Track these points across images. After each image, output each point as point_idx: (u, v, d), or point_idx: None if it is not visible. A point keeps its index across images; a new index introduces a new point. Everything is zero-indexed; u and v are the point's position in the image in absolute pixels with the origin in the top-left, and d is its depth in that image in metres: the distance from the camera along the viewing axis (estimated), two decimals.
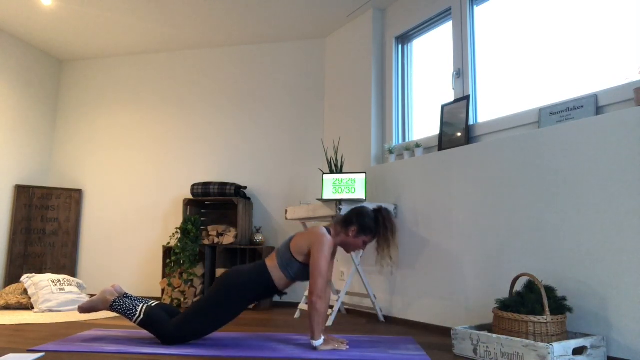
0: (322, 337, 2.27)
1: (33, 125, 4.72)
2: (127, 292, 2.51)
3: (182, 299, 3.99)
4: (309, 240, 2.34)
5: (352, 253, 3.21)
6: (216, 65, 4.70)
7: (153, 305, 2.39)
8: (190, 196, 4.36)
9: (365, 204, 3.12)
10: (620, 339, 2.01)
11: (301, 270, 2.37)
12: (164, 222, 4.57)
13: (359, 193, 3.20)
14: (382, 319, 3.29)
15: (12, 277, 4.30)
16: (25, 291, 3.67)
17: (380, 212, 2.40)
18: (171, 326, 2.29)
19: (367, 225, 2.37)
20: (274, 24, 4.20)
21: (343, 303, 3.74)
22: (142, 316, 2.32)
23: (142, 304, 2.37)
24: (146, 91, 4.83)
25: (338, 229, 2.42)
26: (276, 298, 4.20)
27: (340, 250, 3.86)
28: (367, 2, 3.78)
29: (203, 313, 2.31)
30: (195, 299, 4.00)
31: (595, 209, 2.15)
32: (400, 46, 3.78)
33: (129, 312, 2.34)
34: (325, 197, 3.26)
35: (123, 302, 2.37)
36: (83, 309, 2.44)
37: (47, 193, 4.62)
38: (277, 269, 2.37)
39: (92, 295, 4.50)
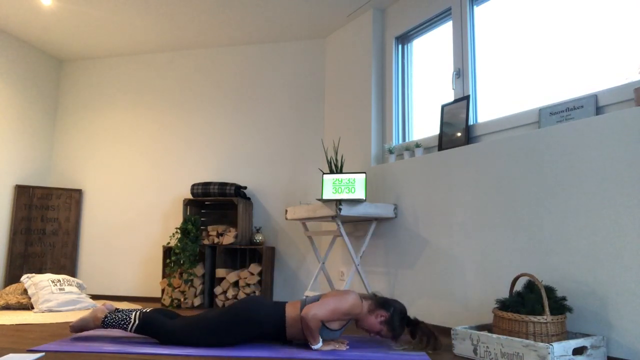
0: (321, 340, 2.26)
1: (33, 125, 4.72)
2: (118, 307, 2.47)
3: (182, 299, 3.99)
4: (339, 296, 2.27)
5: (352, 252, 3.21)
6: (216, 65, 4.70)
7: (146, 310, 2.38)
8: (190, 196, 4.35)
9: (364, 203, 3.13)
10: (620, 339, 2.01)
11: (320, 328, 2.26)
12: (164, 222, 4.57)
13: (359, 193, 3.20)
14: None
15: (12, 277, 4.30)
16: (25, 291, 3.67)
17: (421, 325, 2.32)
18: (173, 327, 2.28)
19: (396, 324, 2.29)
20: (273, 24, 4.20)
21: None
22: (137, 322, 2.30)
23: (135, 312, 2.34)
24: (146, 91, 4.83)
25: (371, 304, 2.33)
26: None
27: (340, 250, 3.87)
28: (367, 2, 3.78)
29: (210, 330, 2.25)
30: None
31: (595, 208, 2.15)
32: (400, 46, 3.78)
33: (123, 323, 2.30)
34: (325, 197, 3.26)
35: (115, 315, 2.33)
36: (74, 328, 2.38)
37: (47, 193, 4.62)
38: (295, 319, 2.28)
39: (92, 296, 4.51)
